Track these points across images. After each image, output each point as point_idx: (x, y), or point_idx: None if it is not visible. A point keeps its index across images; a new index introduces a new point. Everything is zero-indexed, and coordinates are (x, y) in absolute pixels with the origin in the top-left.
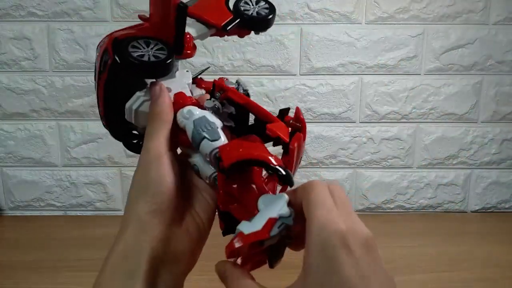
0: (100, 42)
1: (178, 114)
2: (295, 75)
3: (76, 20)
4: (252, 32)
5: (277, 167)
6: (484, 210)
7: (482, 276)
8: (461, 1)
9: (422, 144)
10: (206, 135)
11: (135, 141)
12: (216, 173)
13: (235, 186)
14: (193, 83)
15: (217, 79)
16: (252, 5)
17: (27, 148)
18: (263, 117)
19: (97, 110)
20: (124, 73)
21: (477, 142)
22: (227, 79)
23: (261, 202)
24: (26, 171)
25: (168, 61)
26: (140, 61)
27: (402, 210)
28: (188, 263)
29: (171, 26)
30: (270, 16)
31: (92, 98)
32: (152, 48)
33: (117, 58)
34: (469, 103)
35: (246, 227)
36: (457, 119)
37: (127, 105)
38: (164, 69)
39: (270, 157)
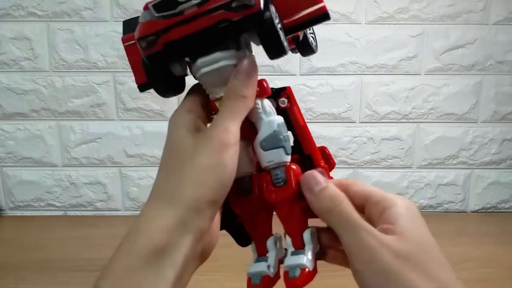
0: None
1: (259, 104)
2: (295, 75)
3: (76, 20)
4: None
5: None
6: (484, 210)
7: (482, 276)
8: (461, 1)
9: (422, 144)
10: (285, 146)
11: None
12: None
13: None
14: None
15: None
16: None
17: (27, 148)
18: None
19: (97, 110)
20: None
21: (477, 142)
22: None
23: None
24: (26, 171)
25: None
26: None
27: None
28: (206, 259)
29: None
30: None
31: (92, 98)
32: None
33: (262, 11)
34: (469, 103)
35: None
36: (457, 119)
37: (204, 60)
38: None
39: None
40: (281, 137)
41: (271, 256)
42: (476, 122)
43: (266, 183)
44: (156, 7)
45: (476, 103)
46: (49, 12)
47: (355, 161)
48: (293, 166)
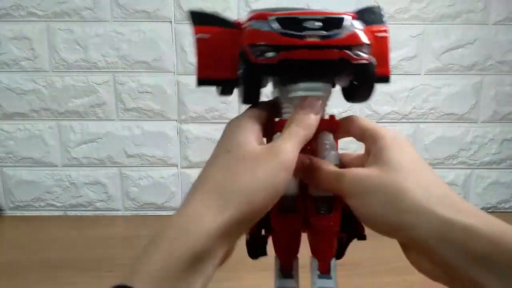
0: None
1: (329, 137)
2: None
3: (76, 20)
4: None
5: None
6: (484, 210)
7: None
8: (461, 1)
9: (422, 144)
10: None
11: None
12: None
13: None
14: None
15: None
16: None
17: (27, 148)
18: None
19: (97, 110)
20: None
21: (477, 142)
22: None
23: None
24: (26, 171)
25: None
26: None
27: None
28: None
29: None
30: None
31: (92, 98)
32: None
33: (373, 63)
34: (469, 103)
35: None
36: (457, 119)
37: (307, 85)
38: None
39: None
40: None
41: (297, 276)
42: (476, 122)
43: (311, 208)
44: (280, 22)
45: (476, 103)
46: (49, 12)
47: None
48: (339, 199)
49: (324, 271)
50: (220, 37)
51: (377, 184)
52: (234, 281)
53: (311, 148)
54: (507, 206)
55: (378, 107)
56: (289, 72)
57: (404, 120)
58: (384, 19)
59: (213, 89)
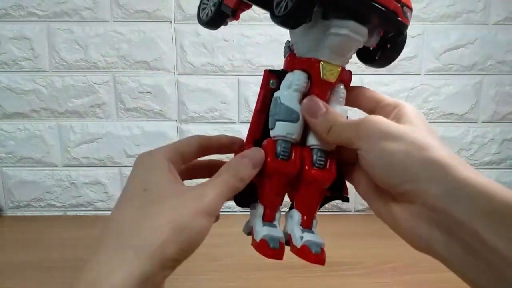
0: None
1: (341, 89)
2: None
3: (76, 20)
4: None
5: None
6: None
7: None
8: (461, 1)
9: None
10: None
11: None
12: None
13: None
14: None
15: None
16: None
17: (27, 148)
18: None
19: (97, 110)
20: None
21: (477, 142)
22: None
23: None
24: (26, 171)
25: None
26: None
27: None
28: None
29: None
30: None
31: (92, 98)
32: None
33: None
34: (469, 103)
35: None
36: (457, 119)
37: (354, 25)
38: None
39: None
40: None
41: (278, 226)
42: (476, 122)
43: (308, 160)
44: None
45: (476, 103)
46: (49, 12)
47: None
48: (335, 156)
49: (307, 226)
50: None
51: (403, 132)
52: (237, 282)
53: (326, 97)
54: None
55: None
56: (348, 3)
57: None
58: None
59: (213, 90)
